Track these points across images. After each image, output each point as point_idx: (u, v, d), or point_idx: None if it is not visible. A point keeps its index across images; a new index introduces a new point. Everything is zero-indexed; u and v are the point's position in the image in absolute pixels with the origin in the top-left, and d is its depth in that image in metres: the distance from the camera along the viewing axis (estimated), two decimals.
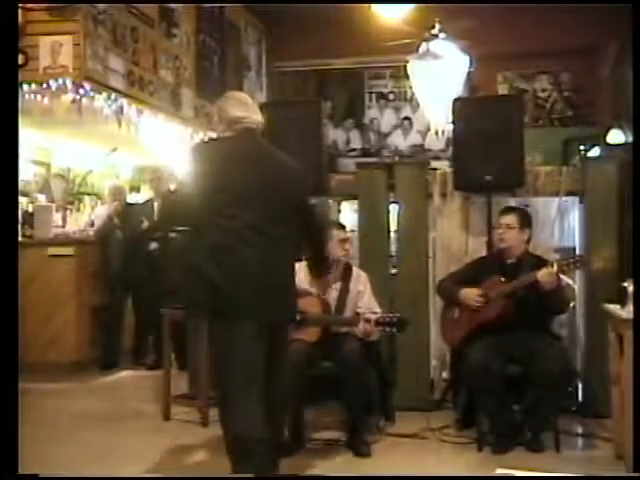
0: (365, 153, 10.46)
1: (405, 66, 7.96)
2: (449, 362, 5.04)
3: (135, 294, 6.98)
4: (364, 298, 4.52)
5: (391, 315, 4.34)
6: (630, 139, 8.34)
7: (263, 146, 3.51)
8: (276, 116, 5.27)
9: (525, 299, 4.29)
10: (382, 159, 9.93)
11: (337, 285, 4.52)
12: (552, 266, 4.22)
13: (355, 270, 4.62)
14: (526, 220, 4.56)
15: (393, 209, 5.37)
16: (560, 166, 5.61)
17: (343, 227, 4.66)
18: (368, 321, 4.23)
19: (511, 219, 4.50)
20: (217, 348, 3.36)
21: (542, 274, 4.18)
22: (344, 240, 4.50)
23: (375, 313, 4.35)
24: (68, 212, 7.78)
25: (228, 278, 3.23)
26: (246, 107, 3.47)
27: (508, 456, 4.15)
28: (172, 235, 6.12)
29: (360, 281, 4.57)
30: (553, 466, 4.01)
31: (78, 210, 8.04)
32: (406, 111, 10.41)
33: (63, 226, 7.44)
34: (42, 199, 7.69)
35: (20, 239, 6.49)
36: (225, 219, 3.27)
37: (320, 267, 4.02)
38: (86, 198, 8.35)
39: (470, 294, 4.44)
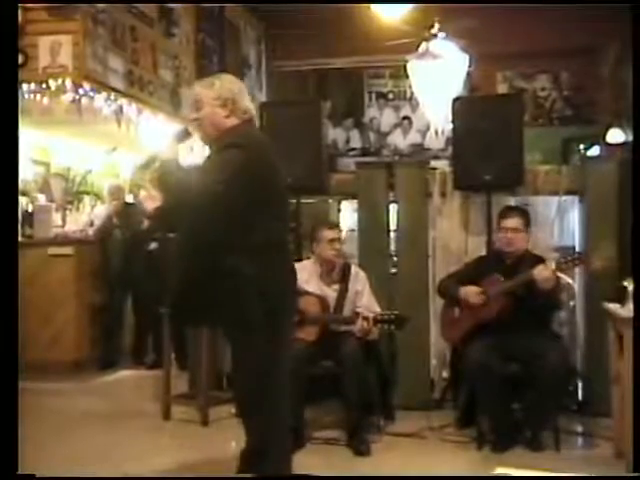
0: (365, 152, 10.46)
1: (405, 65, 7.95)
2: (449, 361, 5.04)
3: (135, 294, 6.98)
4: (363, 297, 4.52)
5: (389, 312, 4.35)
6: (630, 138, 8.35)
7: None
8: (276, 115, 5.28)
9: (525, 298, 4.29)
10: (382, 158, 9.95)
11: (336, 286, 4.52)
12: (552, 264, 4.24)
13: (354, 269, 4.62)
14: (529, 220, 4.56)
15: (393, 208, 5.37)
16: (560, 165, 5.62)
17: (335, 226, 4.64)
18: (366, 319, 4.23)
19: (517, 222, 4.48)
20: (274, 348, 3.10)
21: (538, 270, 4.18)
22: (333, 240, 4.49)
23: (374, 312, 4.36)
24: (68, 212, 7.79)
25: (283, 280, 3.16)
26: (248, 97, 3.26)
27: (508, 455, 4.15)
28: (171, 235, 6.11)
29: (358, 280, 4.57)
30: (553, 465, 4.01)
31: (78, 210, 8.04)
32: (406, 110, 10.42)
33: (63, 226, 7.44)
34: (42, 199, 7.69)
35: (20, 239, 6.49)
36: (276, 220, 3.12)
37: None
38: (86, 198, 8.35)
39: (470, 292, 4.44)
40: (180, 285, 3.15)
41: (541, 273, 4.18)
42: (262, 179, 3.04)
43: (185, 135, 3.21)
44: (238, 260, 2.99)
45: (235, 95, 3.14)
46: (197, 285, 3.05)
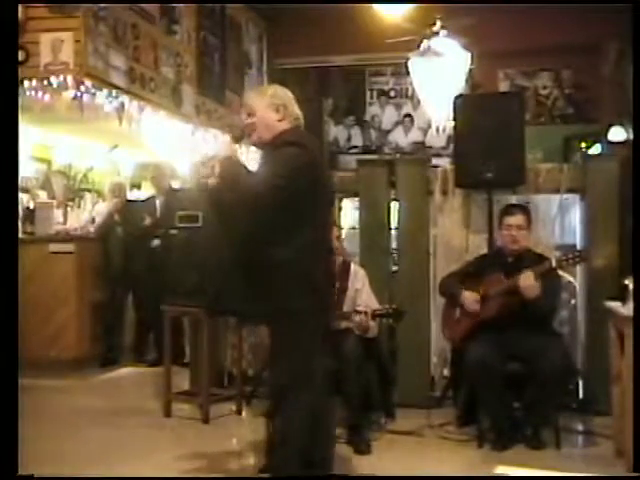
0: (366, 150, 10.44)
1: (406, 63, 7.94)
2: (450, 359, 5.05)
3: (136, 291, 6.98)
4: (362, 295, 4.52)
5: (387, 307, 4.36)
6: (631, 136, 8.33)
7: None
8: None
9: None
10: (383, 156, 9.90)
11: (336, 284, 4.51)
12: (550, 262, 4.25)
13: (353, 267, 4.61)
14: (530, 218, 4.58)
15: (394, 206, 5.37)
16: (561, 163, 5.62)
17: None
18: (364, 313, 4.24)
19: (521, 219, 4.48)
20: (308, 347, 3.17)
21: (522, 278, 4.20)
22: None
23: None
24: (69, 209, 7.79)
25: (326, 278, 3.26)
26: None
27: (508, 453, 4.16)
28: (173, 232, 6.11)
29: (358, 279, 4.57)
30: (553, 463, 4.01)
31: (79, 207, 8.04)
32: (407, 108, 10.40)
33: (64, 223, 7.44)
34: (43, 196, 7.69)
35: (21, 236, 6.50)
36: (324, 218, 3.24)
37: None
38: (87, 195, 8.36)
39: (469, 298, 4.44)
40: (227, 277, 3.31)
41: (524, 281, 4.19)
42: (316, 177, 3.18)
43: (241, 135, 3.33)
44: (292, 253, 3.08)
45: (286, 101, 3.31)
46: (247, 276, 3.16)
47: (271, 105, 3.26)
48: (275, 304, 3.13)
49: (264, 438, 3.78)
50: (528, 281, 4.19)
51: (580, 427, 4.72)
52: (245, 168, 3.20)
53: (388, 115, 10.52)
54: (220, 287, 3.24)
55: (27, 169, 7.57)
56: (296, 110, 3.33)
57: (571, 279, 5.01)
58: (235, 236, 3.24)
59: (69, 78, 5.88)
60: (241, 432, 4.82)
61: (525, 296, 4.20)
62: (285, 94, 3.35)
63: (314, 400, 3.19)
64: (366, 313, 4.25)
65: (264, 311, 3.20)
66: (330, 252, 3.38)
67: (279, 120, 3.26)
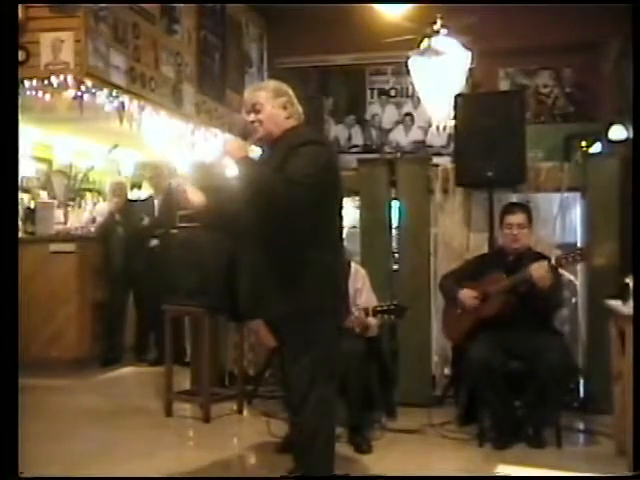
0: (367, 149, 10.43)
1: (406, 62, 7.93)
2: (451, 358, 5.05)
3: (136, 290, 6.98)
4: (363, 295, 4.52)
5: (389, 303, 4.35)
6: (632, 135, 8.33)
7: None
8: None
9: (526, 295, 4.28)
10: (383, 155, 9.89)
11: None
12: (550, 261, 4.24)
13: (354, 266, 4.61)
14: (531, 217, 4.58)
15: (395, 205, 5.37)
16: (562, 162, 5.62)
17: None
18: (362, 310, 4.24)
19: (522, 218, 4.49)
20: (329, 345, 3.15)
21: (534, 269, 4.18)
22: None
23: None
24: (70, 208, 7.79)
25: (343, 275, 3.30)
26: None
27: (509, 452, 4.16)
28: (173, 231, 6.12)
29: (358, 278, 4.56)
30: (554, 462, 4.01)
31: (80, 207, 8.05)
32: (408, 107, 10.40)
33: (65, 222, 7.45)
34: (44, 195, 7.70)
35: (22, 235, 6.50)
36: (339, 218, 3.21)
37: None
38: (88, 195, 8.37)
39: (468, 294, 4.44)
40: (255, 280, 3.14)
41: (537, 271, 4.18)
42: (338, 174, 3.20)
43: (249, 132, 3.22)
44: (319, 252, 3.06)
45: (291, 97, 3.27)
46: (273, 276, 3.09)
47: (279, 102, 3.21)
48: (300, 303, 3.06)
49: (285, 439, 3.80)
50: (541, 270, 4.17)
51: (581, 426, 4.71)
52: (262, 166, 3.13)
53: (388, 114, 10.52)
54: (234, 287, 3.17)
55: (27, 169, 7.58)
56: (299, 107, 3.29)
57: (572, 278, 5.01)
58: (263, 236, 3.13)
59: (69, 78, 5.88)
60: (242, 432, 4.83)
61: (538, 286, 4.18)
62: (288, 90, 3.30)
63: (333, 397, 3.21)
64: (365, 309, 4.26)
65: (288, 310, 3.10)
66: (344, 250, 3.38)
67: (286, 117, 3.21)
